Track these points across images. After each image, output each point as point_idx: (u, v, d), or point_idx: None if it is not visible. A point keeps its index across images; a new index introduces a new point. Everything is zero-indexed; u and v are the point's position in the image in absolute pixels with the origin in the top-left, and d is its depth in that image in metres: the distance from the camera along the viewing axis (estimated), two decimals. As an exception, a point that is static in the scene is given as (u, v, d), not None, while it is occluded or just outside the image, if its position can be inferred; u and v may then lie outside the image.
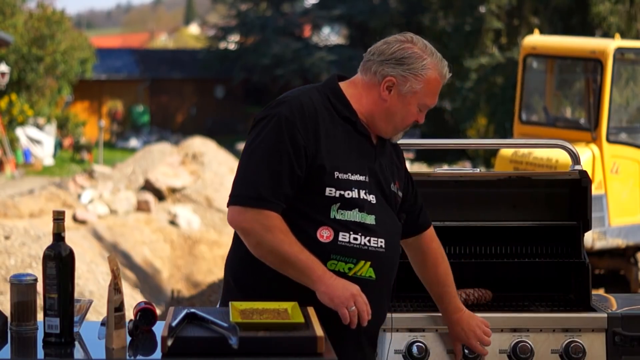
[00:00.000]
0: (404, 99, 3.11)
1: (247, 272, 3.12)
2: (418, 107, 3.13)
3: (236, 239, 3.17)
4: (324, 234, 3.03)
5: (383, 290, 3.12)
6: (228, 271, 3.22)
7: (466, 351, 3.41)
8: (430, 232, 3.41)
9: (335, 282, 2.96)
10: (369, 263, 3.07)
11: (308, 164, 3.01)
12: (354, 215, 3.05)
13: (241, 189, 3.03)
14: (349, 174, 3.05)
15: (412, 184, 3.37)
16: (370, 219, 3.07)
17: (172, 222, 15.41)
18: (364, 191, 3.07)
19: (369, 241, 3.06)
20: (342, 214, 3.03)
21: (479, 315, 3.49)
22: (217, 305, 3.28)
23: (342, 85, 3.20)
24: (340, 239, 3.03)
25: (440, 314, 3.50)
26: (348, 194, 3.04)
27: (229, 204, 3.05)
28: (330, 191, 3.02)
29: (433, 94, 3.14)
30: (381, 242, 3.09)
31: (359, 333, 3.09)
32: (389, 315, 3.44)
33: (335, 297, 2.94)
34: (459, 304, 3.40)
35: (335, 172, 3.03)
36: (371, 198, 3.09)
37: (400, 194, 3.24)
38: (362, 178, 3.08)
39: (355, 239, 3.05)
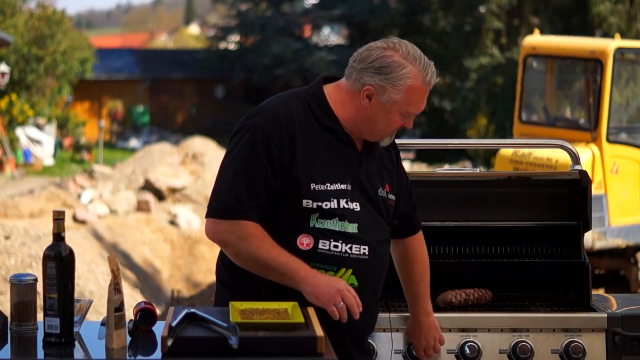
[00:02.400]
0: (384, 108, 3.04)
1: (232, 276, 3.13)
2: (401, 115, 3.06)
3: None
4: (304, 242, 3.02)
5: (367, 297, 3.08)
6: (217, 275, 3.24)
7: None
8: (419, 233, 3.39)
9: (320, 281, 2.95)
10: (350, 270, 3.05)
11: (284, 175, 2.99)
12: (333, 224, 3.03)
13: (216, 201, 3.02)
14: (327, 185, 3.02)
15: (407, 184, 3.33)
16: (352, 227, 3.05)
17: (172, 222, 15.42)
18: (345, 200, 3.04)
19: (351, 248, 3.04)
20: (321, 222, 3.02)
21: (479, 315, 3.50)
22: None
23: (328, 89, 3.13)
24: (320, 246, 3.02)
25: (441, 314, 3.50)
26: (326, 205, 3.01)
27: (205, 216, 3.05)
28: (307, 203, 3.00)
29: (416, 102, 3.05)
30: (364, 249, 3.06)
31: (344, 337, 3.08)
32: (389, 315, 3.44)
33: (322, 295, 2.94)
34: (428, 309, 3.37)
35: (312, 184, 3.00)
36: (354, 206, 3.06)
37: (391, 197, 3.20)
38: (342, 186, 3.04)
39: (336, 246, 3.03)
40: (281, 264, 2.96)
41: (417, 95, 3.04)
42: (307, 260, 3.00)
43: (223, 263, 3.18)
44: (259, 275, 3.01)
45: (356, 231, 3.05)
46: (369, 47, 3.08)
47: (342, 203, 3.03)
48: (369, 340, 3.33)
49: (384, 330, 3.41)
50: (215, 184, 3.05)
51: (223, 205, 2.99)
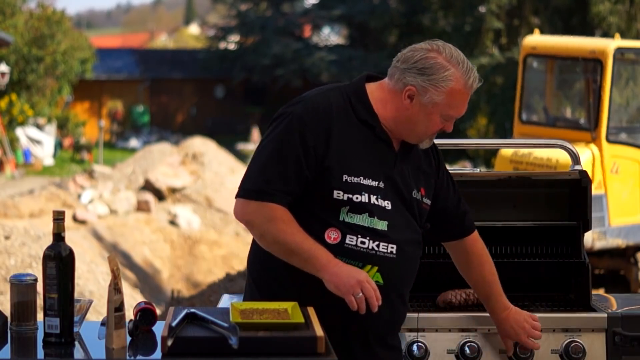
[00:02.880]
0: (425, 109, 3.06)
1: (261, 267, 3.16)
2: (441, 117, 3.08)
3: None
4: (332, 236, 3.03)
5: (391, 296, 3.09)
6: (248, 267, 3.26)
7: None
8: (475, 234, 3.40)
9: (341, 270, 2.96)
10: (375, 268, 3.06)
11: (317, 165, 3.01)
12: (363, 220, 3.04)
13: (247, 182, 3.05)
14: (361, 178, 3.03)
15: (454, 189, 3.34)
16: (381, 225, 3.06)
17: (172, 222, 15.42)
18: (376, 196, 3.05)
19: (378, 246, 3.05)
20: (351, 217, 3.03)
21: (479, 315, 3.49)
22: (235, 299, 3.33)
23: (370, 86, 3.15)
24: (347, 241, 3.03)
25: (441, 314, 3.50)
26: (357, 198, 3.02)
27: (235, 197, 3.08)
28: (338, 194, 3.02)
29: (457, 105, 3.08)
30: (392, 247, 3.07)
31: (366, 332, 3.09)
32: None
33: (341, 284, 2.94)
34: (505, 302, 3.38)
35: (344, 175, 3.02)
36: (385, 204, 3.07)
37: (426, 200, 3.20)
38: (375, 183, 3.05)
39: (363, 242, 3.04)
40: (304, 250, 2.97)
41: (458, 98, 3.06)
42: (333, 254, 3.01)
43: (254, 253, 3.20)
44: (282, 259, 3.03)
45: (385, 229, 3.06)
46: (412, 48, 3.11)
47: (373, 199, 3.05)
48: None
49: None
50: (249, 166, 3.09)
51: (253, 187, 3.02)
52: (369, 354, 3.13)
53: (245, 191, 3.04)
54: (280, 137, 3.03)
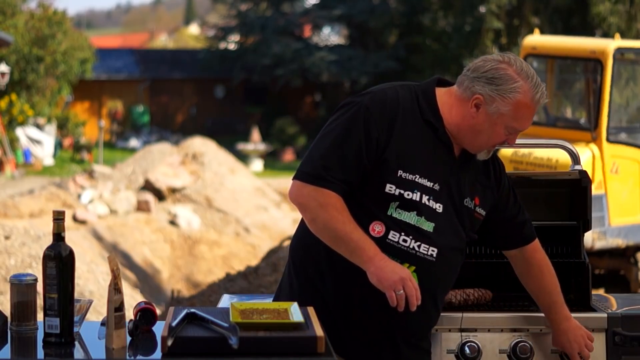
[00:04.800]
0: (490, 119, 3.07)
1: (303, 253, 3.19)
2: (506, 129, 3.09)
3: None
4: (376, 229, 3.05)
5: (425, 298, 3.07)
6: (290, 250, 3.29)
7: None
8: (535, 244, 3.42)
9: (386, 264, 2.97)
10: (413, 267, 3.07)
11: (376, 156, 3.03)
12: (410, 218, 3.05)
13: (306, 165, 3.06)
14: (416, 176, 3.05)
15: (515, 199, 3.36)
16: (428, 226, 3.07)
17: (172, 222, 15.41)
18: (429, 197, 3.06)
19: (419, 246, 3.06)
20: (399, 213, 3.04)
21: (479, 315, 3.49)
22: (278, 285, 3.35)
23: (440, 90, 3.17)
24: (389, 237, 3.04)
25: (441, 314, 3.49)
26: (408, 195, 3.04)
27: (292, 178, 3.10)
28: (390, 188, 3.03)
29: (523, 119, 3.07)
30: (433, 250, 3.08)
31: (395, 331, 3.11)
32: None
33: (384, 279, 2.95)
34: (566, 313, 3.39)
35: (400, 171, 3.03)
36: (437, 206, 3.08)
37: (480, 210, 3.21)
38: (430, 184, 3.07)
39: (405, 240, 3.05)
40: (352, 240, 2.98)
41: (524, 111, 3.06)
42: None
43: (297, 237, 3.23)
44: (330, 245, 3.04)
45: (431, 230, 3.07)
46: (484, 58, 3.14)
47: (425, 199, 3.06)
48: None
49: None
50: (310, 150, 3.10)
51: (311, 171, 3.03)
52: (396, 353, 3.14)
53: (303, 174, 3.05)
54: (345, 125, 3.05)
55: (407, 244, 3.05)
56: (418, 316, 3.11)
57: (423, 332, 3.23)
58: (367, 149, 3.02)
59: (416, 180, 3.05)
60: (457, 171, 3.14)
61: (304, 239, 3.18)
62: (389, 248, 3.04)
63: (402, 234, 3.04)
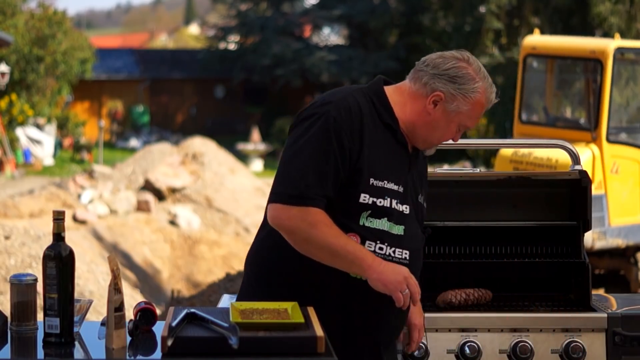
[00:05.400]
0: (448, 116, 3.08)
1: (266, 266, 3.11)
2: (458, 127, 3.11)
3: (262, 232, 3.16)
4: None
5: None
6: (249, 265, 3.20)
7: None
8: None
9: (386, 268, 2.97)
10: None
11: (350, 167, 2.99)
12: (382, 224, 3.03)
13: (284, 186, 2.98)
14: (385, 182, 3.04)
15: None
16: (398, 229, 3.06)
17: (172, 222, 15.41)
18: (396, 201, 3.05)
19: (394, 252, 3.06)
20: (370, 221, 3.02)
21: (479, 315, 3.50)
22: (235, 299, 3.27)
23: (387, 90, 3.15)
24: (366, 247, 3.02)
25: (441, 314, 3.50)
26: (380, 202, 3.02)
27: (270, 201, 3.01)
28: (364, 197, 3.01)
29: (475, 117, 3.11)
30: (406, 253, 3.08)
31: (376, 338, 3.10)
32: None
33: (389, 282, 2.95)
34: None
35: (371, 179, 3.01)
36: (404, 208, 3.08)
37: (425, 205, 3.23)
38: (396, 187, 3.06)
39: (381, 248, 3.04)
40: (349, 252, 2.96)
41: (479, 110, 3.10)
42: None
43: (260, 252, 3.14)
44: (324, 262, 2.99)
45: (402, 233, 3.07)
46: (441, 54, 3.13)
47: (394, 203, 3.05)
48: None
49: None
50: (283, 169, 3.01)
51: (293, 192, 2.95)
52: (376, 356, 3.12)
53: (285, 196, 2.97)
54: (317, 139, 2.98)
55: (383, 252, 3.04)
56: (396, 317, 3.11)
57: (397, 333, 3.23)
58: (343, 162, 2.97)
59: (385, 186, 3.03)
60: (412, 168, 3.15)
61: (271, 253, 3.09)
62: None
63: (378, 242, 3.03)
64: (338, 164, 2.97)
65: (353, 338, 3.06)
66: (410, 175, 3.13)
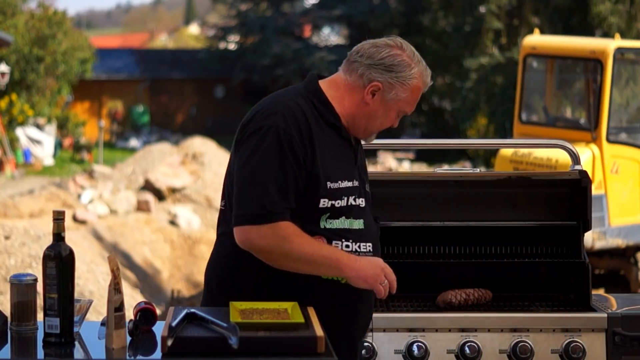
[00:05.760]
0: (386, 105, 3.07)
1: (230, 277, 3.07)
2: (397, 113, 3.11)
3: (219, 244, 3.12)
4: None
5: (372, 293, 3.09)
6: (211, 277, 3.14)
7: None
8: None
9: (362, 263, 2.97)
10: None
11: (307, 176, 2.97)
12: (341, 223, 3.03)
13: (248, 207, 2.93)
14: (339, 182, 3.03)
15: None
16: (358, 224, 3.06)
17: (172, 222, 15.41)
18: (352, 197, 3.05)
19: (359, 247, 3.06)
20: (330, 222, 3.02)
21: (479, 315, 3.50)
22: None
23: (323, 86, 3.12)
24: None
25: (441, 314, 3.50)
26: (338, 203, 3.02)
27: (237, 224, 2.94)
28: (324, 202, 3.00)
29: (414, 102, 3.11)
30: (369, 246, 3.09)
31: (351, 330, 3.09)
32: (388, 315, 3.44)
33: (369, 277, 2.96)
34: None
35: (328, 183, 3.00)
36: (360, 202, 3.08)
37: (370, 192, 3.22)
38: (350, 184, 3.05)
39: (347, 246, 3.04)
40: (325, 257, 2.95)
41: (417, 95, 3.10)
42: None
43: (221, 263, 3.10)
44: (303, 272, 2.97)
45: (362, 227, 3.07)
46: (374, 43, 3.10)
47: (351, 200, 3.05)
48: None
49: (384, 330, 3.41)
50: (242, 189, 2.95)
51: (260, 210, 2.91)
52: (352, 348, 3.11)
53: (250, 217, 2.92)
54: (271, 153, 2.94)
55: (349, 249, 3.03)
56: (368, 308, 3.12)
57: (367, 324, 3.20)
58: (300, 171, 2.95)
59: (341, 186, 3.02)
60: (358, 160, 3.15)
61: (229, 264, 3.05)
62: None
63: (343, 240, 3.03)
64: (296, 175, 2.95)
65: (331, 331, 3.01)
66: (357, 167, 3.13)
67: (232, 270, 3.06)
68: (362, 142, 3.23)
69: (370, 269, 2.96)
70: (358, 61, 3.07)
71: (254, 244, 2.93)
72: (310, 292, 3.00)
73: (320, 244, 2.97)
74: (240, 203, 2.95)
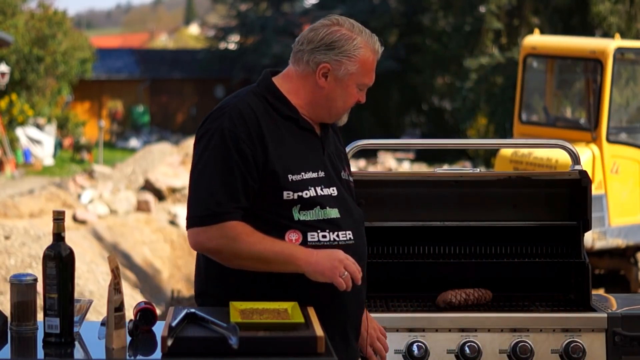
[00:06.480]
0: (341, 83, 3.07)
1: (213, 285, 3.08)
2: (357, 87, 3.10)
3: (200, 257, 3.12)
4: (292, 237, 3.00)
5: (361, 289, 3.08)
6: (198, 289, 3.16)
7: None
8: None
9: (320, 257, 2.95)
10: None
11: (260, 173, 2.97)
12: (316, 214, 3.02)
13: (196, 209, 2.96)
14: (302, 174, 3.02)
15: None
16: (334, 213, 3.05)
17: (172, 222, 15.41)
18: (320, 187, 3.04)
19: (338, 236, 3.04)
20: (304, 214, 3.01)
21: (479, 315, 3.50)
22: None
23: (277, 80, 3.15)
24: (309, 239, 3.01)
25: (441, 314, 3.50)
26: (306, 194, 3.01)
27: (187, 228, 2.99)
28: (288, 194, 2.99)
29: (369, 72, 3.10)
30: (349, 234, 3.06)
31: (345, 324, 3.08)
32: (388, 315, 3.44)
33: (326, 269, 2.93)
34: None
35: (289, 175, 2.99)
36: (331, 191, 3.06)
37: (351, 179, 3.21)
38: (315, 174, 3.04)
39: (324, 236, 3.03)
40: (278, 253, 2.94)
41: (369, 64, 3.09)
42: None
43: (204, 274, 3.10)
44: (258, 270, 2.98)
45: (338, 216, 3.05)
46: (312, 27, 3.12)
47: (319, 190, 3.04)
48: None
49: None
50: (191, 192, 3.00)
51: (205, 212, 2.94)
52: (347, 343, 3.10)
53: (198, 219, 2.95)
54: (216, 154, 2.96)
55: (327, 239, 3.02)
56: (358, 299, 3.10)
57: (360, 316, 3.19)
58: (248, 170, 2.96)
59: (304, 177, 3.02)
60: (326, 149, 3.14)
61: (211, 273, 3.06)
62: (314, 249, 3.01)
63: (319, 231, 3.02)
64: (244, 174, 2.95)
65: (323, 323, 3.03)
66: (326, 156, 3.12)
67: (215, 280, 3.06)
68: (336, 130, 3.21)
69: (328, 262, 2.93)
70: (301, 50, 3.11)
71: (203, 245, 2.97)
72: (294, 289, 2.98)
73: (273, 240, 2.96)
74: (189, 206, 2.99)
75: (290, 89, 3.11)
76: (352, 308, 3.08)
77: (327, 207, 3.03)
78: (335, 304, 3.02)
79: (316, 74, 3.06)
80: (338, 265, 2.93)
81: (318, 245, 3.01)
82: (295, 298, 2.90)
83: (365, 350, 3.21)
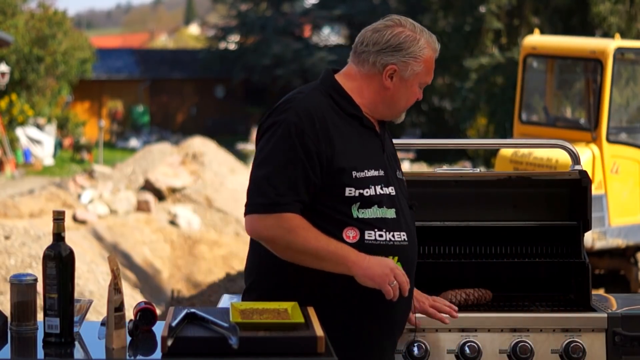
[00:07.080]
0: (406, 83, 3.12)
1: (263, 277, 3.10)
2: (419, 86, 3.16)
3: (252, 246, 3.15)
4: (350, 234, 3.02)
5: (408, 302, 3.11)
6: (247, 279, 3.19)
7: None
8: None
9: (371, 262, 2.96)
10: (396, 258, 3.07)
11: (324, 170, 2.99)
12: (374, 212, 3.03)
13: (257, 197, 2.97)
14: (366, 172, 3.04)
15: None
16: (390, 213, 3.06)
17: (172, 222, 15.41)
18: (380, 186, 3.05)
19: (393, 236, 3.06)
20: (363, 212, 3.02)
21: (479, 315, 3.50)
22: (235, 299, 3.28)
23: (339, 79, 3.17)
24: (366, 237, 3.02)
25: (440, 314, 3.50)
26: (367, 192, 3.03)
27: (245, 214, 3.01)
28: (350, 191, 3.01)
29: (431, 70, 3.18)
30: (403, 235, 3.09)
31: (394, 332, 3.11)
32: None
33: (376, 276, 2.95)
34: None
35: (353, 172, 3.02)
36: (390, 190, 3.08)
37: (404, 179, 3.24)
38: (376, 173, 3.06)
39: (381, 235, 3.04)
40: (331, 252, 2.96)
41: (432, 63, 3.17)
42: None
43: (255, 265, 3.12)
44: (309, 266, 2.99)
45: (395, 216, 3.07)
46: (374, 29, 3.18)
47: (379, 189, 3.05)
48: None
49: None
50: (252, 181, 3.02)
51: (265, 200, 2.95)
52: (393, 349, 3.13)
53: (258, 206, 2.97)
54: (280, 146, 2.98)
55: (383, 238, 3.04)
56: (407, 305, 3.13)
57: (406, 320, 3.22)
58: (311, 165, 2.97)
59: (367, 175, 3.04)
60: (385, 148, 3.17)
61: (263, 265, 3.09)
62: (370, 248, 3.02)
63: (376, 230, 3.03)
64: (306, 168, 2.97)
65: (375, 336, 3.06)
66: (385, 155, 3.15)
67: (266, 272, 3.08)
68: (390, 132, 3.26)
69: (379, 268, 2.95)
70: (366, 51, 3.14)
71: (259, 233, 2.99)
72: (346, 292, 3.00)
73: (329, 239, 2.97)
74: (249, 193, 3.01)
75: (353, 88, 3.14)
76: (400, 314, 3.11)
77: (385, 207, 3.06)
78: (382, 309, 3.03)
79: (383, 75, 3.10)
80: (389, 273, 2.95)
81: (374, 244, 3.03)
82: (345, 303, 2.96)
83: (414, 321, 3.26)
